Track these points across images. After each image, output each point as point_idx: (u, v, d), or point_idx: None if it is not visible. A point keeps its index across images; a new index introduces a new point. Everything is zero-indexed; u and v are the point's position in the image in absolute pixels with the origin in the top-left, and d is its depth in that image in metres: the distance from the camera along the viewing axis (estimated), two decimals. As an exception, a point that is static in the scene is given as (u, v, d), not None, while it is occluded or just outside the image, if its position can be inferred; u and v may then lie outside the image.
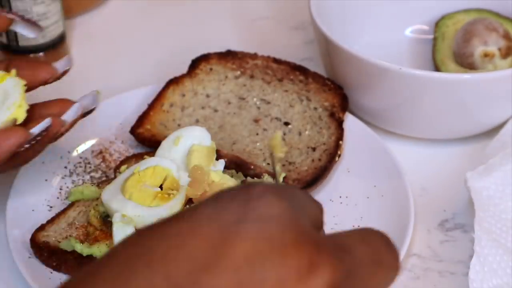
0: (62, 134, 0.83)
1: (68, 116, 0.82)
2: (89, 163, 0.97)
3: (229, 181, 0.87)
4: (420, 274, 0.90)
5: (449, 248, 0.93)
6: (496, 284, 0.85)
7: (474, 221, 0.88)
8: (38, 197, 0.92)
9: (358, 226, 0.92)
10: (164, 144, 0.91)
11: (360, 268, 0.53)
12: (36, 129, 0.78)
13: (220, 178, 0.87)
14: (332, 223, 0.92)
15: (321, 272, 0.50)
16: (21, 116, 0.79)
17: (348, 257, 0.53)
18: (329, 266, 0.50)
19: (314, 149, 0.97)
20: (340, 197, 0.95)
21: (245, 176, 0.93)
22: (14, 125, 0.78)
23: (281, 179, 0.78)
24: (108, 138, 1.00)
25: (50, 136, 0.80)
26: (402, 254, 0.85)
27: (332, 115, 1.00)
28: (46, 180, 0.94)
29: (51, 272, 0.85)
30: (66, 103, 0.83)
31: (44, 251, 0.85)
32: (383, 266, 0.55)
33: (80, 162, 0.97)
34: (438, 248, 0.93)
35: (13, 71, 0.81)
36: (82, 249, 0.83)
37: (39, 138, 0.78)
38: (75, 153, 0.98)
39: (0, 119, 0.78)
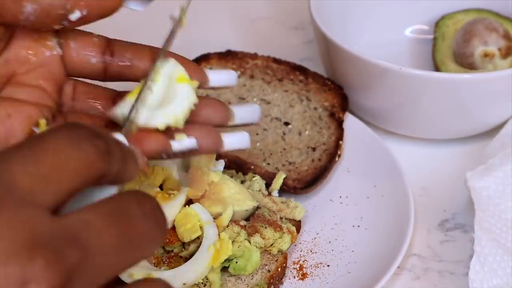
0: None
1: (230, 142, 0.75)
2: (89, 163, 0.97)
3: (229, 181, 0.87)
4: (420, 274, 0.90)
5: (449, 248, 0.93)
6: (496, 284, 0.85)
7: (474, 221, 0.88)
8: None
9: (358, 226, 0.92)
10: (164, 144, 0.91)
11: (97, 256, 0.46)
12: (178, 146, 0.72)
13: (220, 178, 0.87)
14: (332, 223, 0.93)
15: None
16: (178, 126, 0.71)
17: (76, 253, 0.45)
18: (43, 280, 0.43)
19: (314, 149, 0.97)
20: (340, 197, 0.95)
21: (245, 175, 0.93)
22: (158, 131, 0.70)
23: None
24: (108, 138, 1.00)
25: (198, 154, 0.75)
26: (402, 254, 0.85)
27: (332, 115, 1.00)
28: (46, 180, 0.94)
29: (51, 272, 0.84)
30: (223, 111, 0.74)
31: None
32: (135, 243, 0.48)
33: (80, 162, 0.97)
34: (438, 248, 0.93)
35: (195, 82, 0.73)
36: None
37: (176, 154, 0.73)
38: (75, 153, 0.97)
39: (159, 119, 0.70)
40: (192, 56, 1.06)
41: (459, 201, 0.97)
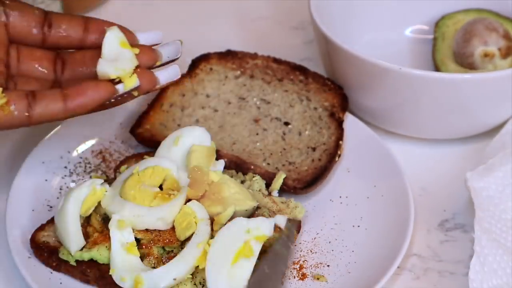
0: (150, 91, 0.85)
1: (163, 77, 0.83)
2: (89, 163, 0.97)
3: (229, 181, 0.87)
4: (420, 274, 0.90)
5: (449, 248, 0.93)
6: (496, 284, 0.85)
7: (474, 221, 0.88)
8: (38, 197, 0.92)
9: (358, 226, 0.92)
10: (164, 144, 0.91)
11: None
12: (123, 88, 0.80)
13: (219, 178, 0.87)
14: (332, 223, 0.93)
15: None
16: (128, 84, 0.81)
17: None
18: None
19: (314, 149, 0.97)
20: (340, 197, 0.95)
21: (245, 175, 0.93)
22: (104, 79, 0.80)
23: None
24: (108, 138, 1.00)
25: (139, 94, 0.83)
26: (402, 254, 0.85)
27: (332, 115, 1.00)
28: (46, 180, 0.94)
29: (51, 272, 0.85)
30: (152, 53, 0.84)
31: (44, 251, 0.85)
32: None
33: (80, 162, 0.97)
34: (438, 248, 0.93)
35: (136, 49, 0.82)
36: (82, 254, 0.83)
37: (125, 95, 0.81)
38: (75, 153, 0.98)
39: (112, 71, 0.80)
40: (192, 56, 1.06)
41: (459, 201, 0.97)
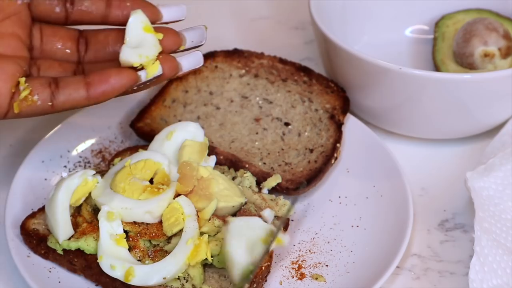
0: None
1: (187, 64, 0.82)
2: (88, 162, 0.97)
3: (219, 177, 0.87)
4: (420, 274, 0.90)
5: (449, 248, 0.93)
6: (496, 284, 0.85)
7: (474, 221, 0.88)
8: (38, 196, 0.92)
9: (357, 226, 0.92)
10: (158, 138, 0.91)
11: None
12: (145, 75, 0.80)
13: (209, 174, 0.87)
14: (331, 223, 0.92)
15: None
16: (151, 71, 0.80)
17: None
18: None
19: (311, 150, 0.97)
20: (339, 197, 0.95)
21: (236, 171, 0.93)
22: (127, 67, 0.79)
23: None
24: (108, 137, 1.00)
25: (161, 81, 0.82)
26: (400, 254, 0.85)
27: (332, 117, 1.00)
28: (46, 179, 0.94)
29: (50, 271, 0.85)
30: (176, 37, 0.82)
31: (34, 238, 0.85)
32: None
33: (79, 161, 0.97)
34: (438, 248, 0.93)
35: (160, 34, 0.81)
36: (69, 244, 0.84)
37: (148, 83, 0.81)
38: (74, 152, 0.98)
39: (135, 58, 0.79)
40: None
41: (459, 201, 0.97)
